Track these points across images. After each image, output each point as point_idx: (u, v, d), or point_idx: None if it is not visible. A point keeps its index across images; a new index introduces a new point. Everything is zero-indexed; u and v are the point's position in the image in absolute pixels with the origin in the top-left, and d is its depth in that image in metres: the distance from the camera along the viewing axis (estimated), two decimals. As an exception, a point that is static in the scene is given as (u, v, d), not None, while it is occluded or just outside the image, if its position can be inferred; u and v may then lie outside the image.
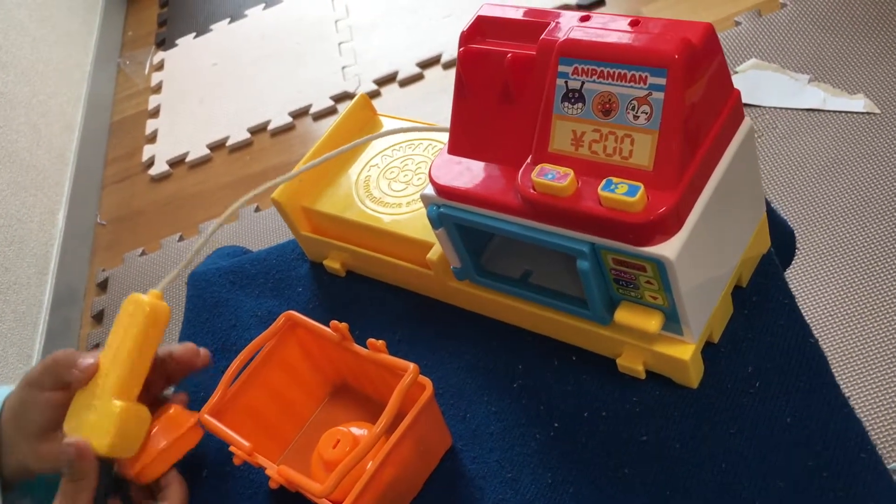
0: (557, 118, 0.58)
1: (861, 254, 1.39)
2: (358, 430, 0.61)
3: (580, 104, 0.57)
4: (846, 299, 1.34)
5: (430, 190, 0.65)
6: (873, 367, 1.24)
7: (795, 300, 0.62)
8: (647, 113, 0.54)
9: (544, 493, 0.59)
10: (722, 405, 0.59)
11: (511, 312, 0.69)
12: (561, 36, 0.58)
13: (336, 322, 0.65)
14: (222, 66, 2.43)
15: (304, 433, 0.69)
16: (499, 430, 0.63)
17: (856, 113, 1.60)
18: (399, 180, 0.78)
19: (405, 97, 2.06)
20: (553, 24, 0.60)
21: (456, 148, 0.66)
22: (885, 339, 1.27)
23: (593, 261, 0.58)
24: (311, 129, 2.12)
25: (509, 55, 0.61)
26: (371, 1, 2.41)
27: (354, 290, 0.78)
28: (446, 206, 0.64)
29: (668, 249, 0.54)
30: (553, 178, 0.57)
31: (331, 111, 2.13)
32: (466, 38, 0.64)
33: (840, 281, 1.37)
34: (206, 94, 2.36)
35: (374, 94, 2.13)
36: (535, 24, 0.61)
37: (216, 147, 2.19)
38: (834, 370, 0.58)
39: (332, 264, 0.80)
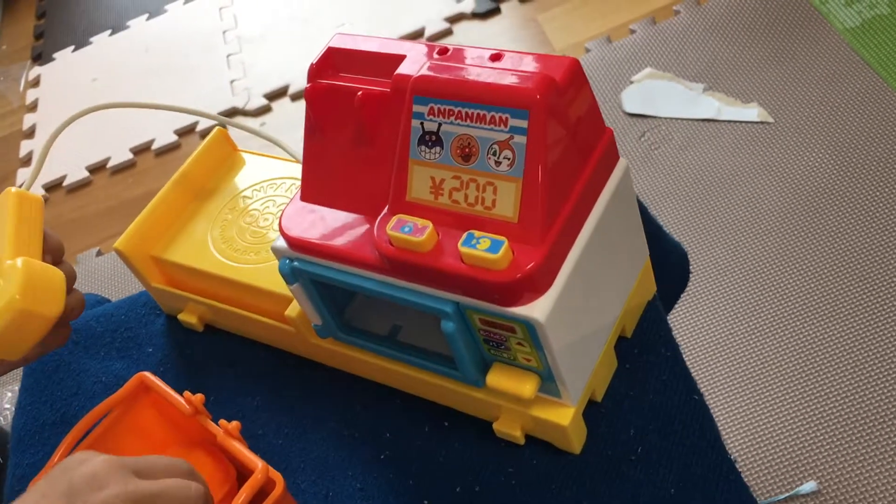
0: (414, 163, 0.52)
1: (756, 268, 1.38)
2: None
3: (438, 148, 0.51)
4: (743, 316, 1.32)
5: (281, 242, 0.58)
6: (771, 385, 1.22)
7: (679, 350, 0.58)
8: (509, 159, 0.49)
9: (416, 580, 0.53)
10: (603, 474, 0.54)
11: (379, 372, 0.62)
12: (416, 71, 0.52)
13: (189, 394, 0.58)
14: (103, 81, 2.29)
15: None
16: (364, 512, 0.57)
17: (750, 122, 1.59)
18: (258, 226, 0.71)
19: (297, 112, 1.97)
20: (408, 58, 0.54)
21: (309, 194, 0.59)
22: (781, 355, 1.26)
23: (459, 321, 0.52)
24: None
25: (360, 92, 0.54)
26: (260, 10, 2.31)
27: (212, 348, 0.71)
28: (300, 260, 0.57)
29: (537, 310, 0.49)
30: (410, 231, 0.51)
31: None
32: (315, 72, 0.58)
33: (736, 296, 1.35)
34: (87, 111, 2.23)
35: (265, 110, 2.03)
36: (390, 56, 0.55)
37: (96, 169, 2.05)
38: (727, 394, 0.53)
39: (189, 318, 0.72)
